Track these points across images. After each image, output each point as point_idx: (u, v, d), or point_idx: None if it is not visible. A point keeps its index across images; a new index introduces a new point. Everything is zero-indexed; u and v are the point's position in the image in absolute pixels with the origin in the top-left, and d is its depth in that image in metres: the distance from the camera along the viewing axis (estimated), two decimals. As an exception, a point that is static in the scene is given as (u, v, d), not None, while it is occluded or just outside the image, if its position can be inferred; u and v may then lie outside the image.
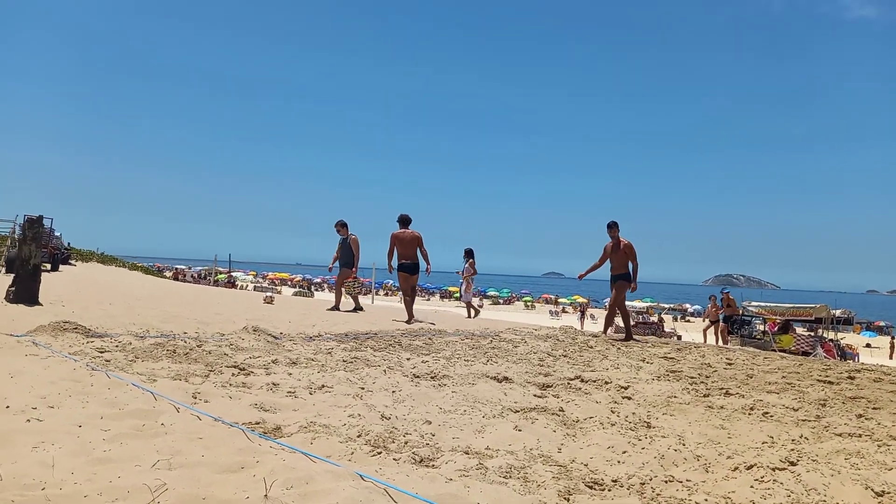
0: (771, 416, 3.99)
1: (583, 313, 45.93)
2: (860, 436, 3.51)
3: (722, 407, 4.25)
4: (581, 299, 67.38)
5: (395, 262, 10.30)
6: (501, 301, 71.64)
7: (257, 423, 3.11)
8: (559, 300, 71.74)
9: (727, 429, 3.64)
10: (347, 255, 11.47)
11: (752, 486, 2.57)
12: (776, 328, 19.64)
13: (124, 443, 2.59)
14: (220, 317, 8.35)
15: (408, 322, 9.76)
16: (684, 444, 3.22)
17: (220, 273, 48.33)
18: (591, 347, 7.49)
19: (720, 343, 17.16)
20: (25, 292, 7.45)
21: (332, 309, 11.38)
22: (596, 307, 66.09)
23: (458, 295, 70.86)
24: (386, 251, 10.18)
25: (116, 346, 4.99)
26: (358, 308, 11.64)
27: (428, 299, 68.09)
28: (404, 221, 10.21)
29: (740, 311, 18.97)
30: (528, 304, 68.05)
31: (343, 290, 11.73)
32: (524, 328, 9.93)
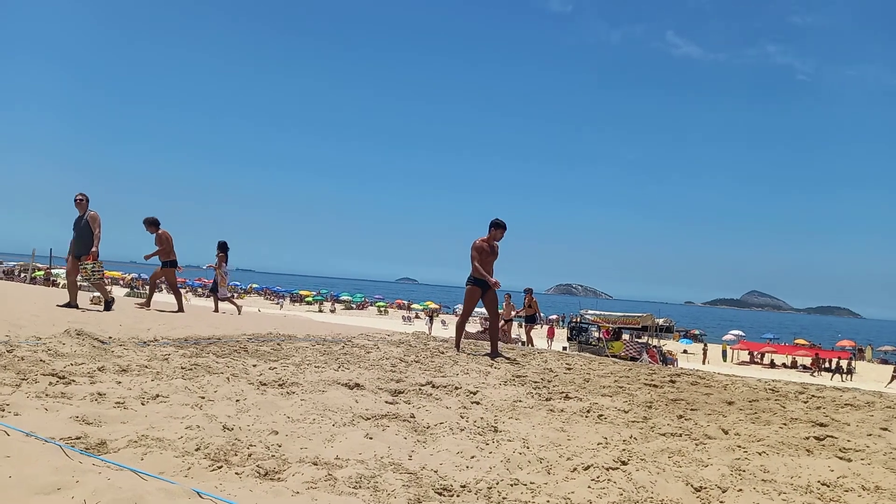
0: (605, 419, 4.27)
1: (431, 318, 46.75)
2: (681, 435, 3.86)
3: (562, 410, 4.48)
4: (433, 305, 68.64)
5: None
6: (354, 306, 71.14)
7: (78, 438, 2.79)
8: (412, 306, 72.56)
9: (567, 431, 3.84)
10: (86, 235, 9.60)
11: (589, 486, 2.72)
12: (609, 335, 21.25)
13: None
14: (37, 319, 7.47)
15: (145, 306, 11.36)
16: (528, 448, 3.35)
17: (39, 269, 43.41)
18: (443, 353, 7.61)
19: (521, 342, 17.32)
20: None
21: (66, 305, 9.42)
22: (446, 313, 67.65)
23: (309, 299, 69.27)
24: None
25: None
26: (108, 302, 9.78)
27: (277, 302, 65.96)
28: (154, 223, 11.45)
29: (536, 312, 18.45)
30: (382, 309, 68.16)
31: (78, 280, 9.77)
32: (377, 334, 9.89)
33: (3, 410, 3.13)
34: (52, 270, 42.75)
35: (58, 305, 9.40)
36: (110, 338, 6.21)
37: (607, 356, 15.66)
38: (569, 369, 6.97)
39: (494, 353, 7.73)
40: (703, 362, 37.07)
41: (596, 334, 21.92)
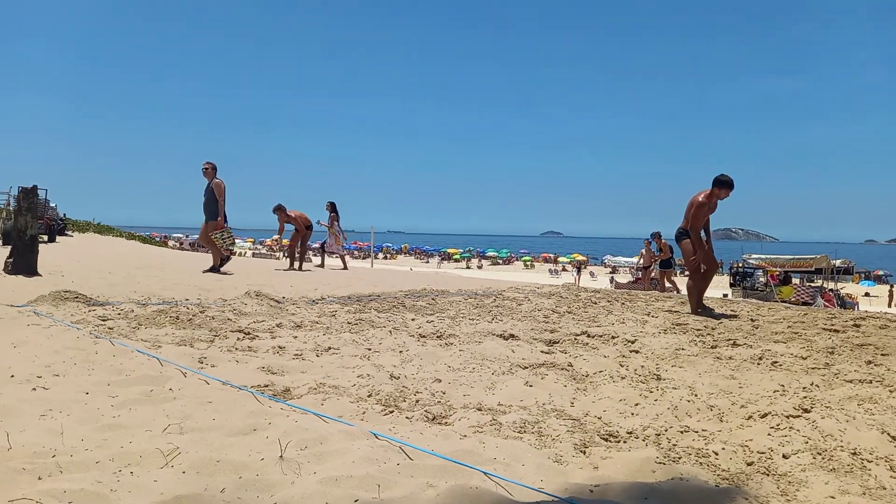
0: (780, 366, 3.98)
1: (579, 270, 45.99)
2: (871, 382, 3.49)
3: (730, 357, 4.23)
4: (580, 257, 67.55)
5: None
6: (501, 261, 71.85)
7: (266, 386, 3.08)
8: (558, 259, 71.89)
9: (737, 378, 3.62)
10: (211, 202, 10.12)
11: (768, 434, 2.55)
12: (777, 279, 19.70)
13: (133, 408, 2.56)
14: (221, 283, 8.31)
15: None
16: (696, 395, 3.20)
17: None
18: (595, 303, 7.47)
19: (658, 289, 15.78)
20: (24, 263, 7.38)
21: (210, 270, 9.94)
22: (594, 264, 66.31)
23: (456, 257, 70.92)
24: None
25: (118, 314, 4.95)
26: (223, 260, 10.22)
27: (427, 261, 68.25)
28: (279, 209, 12.39)
29: (671, 256, 16.09)
30: (528, 263, 68.25)
31: (212, 243, 10.18)
32: (526, 287, 9.91)
33: (202, 363, 3.52)
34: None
35: (204, 271, 9.89)
36: (284, 297, 6.77)
37: (776, 302, 14.56)
38: (734, 316, 6.57)
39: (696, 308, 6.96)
40: (890, 305, 33.28)
41: (762, 279, 20.40)
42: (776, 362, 4.06)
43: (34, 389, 2.75)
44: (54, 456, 2.03)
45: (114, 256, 13.49)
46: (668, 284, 15.65)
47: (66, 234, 20.93)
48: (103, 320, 4.61)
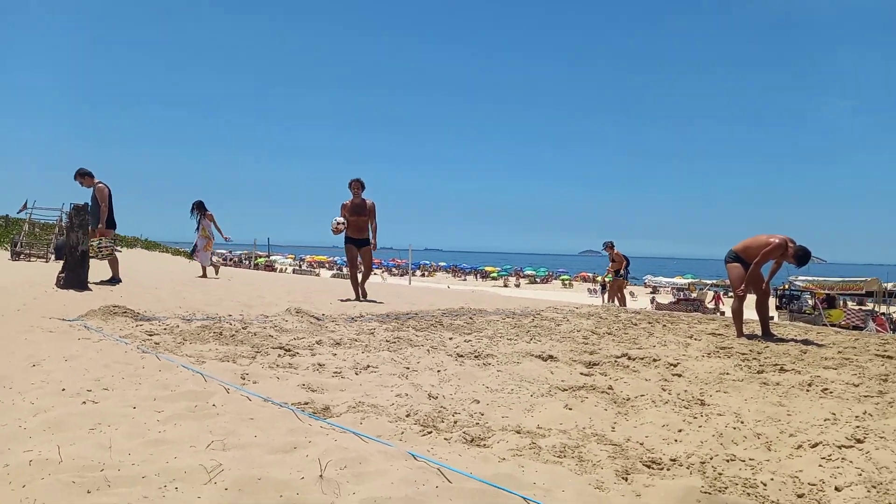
0: (831, 393, 3.84)
1: (603, 288, 44.90)
2: (929, 412, 3.35)
3: (778, 384, 4.11)
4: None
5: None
6: (538, 280, 71.29)
7: (306, 404, 3.11)
8: (597, 278, 70.94)
9: (786, 406, 3.51)
10: (94, 209, 8.81)
11: (819, 465, 2.47)
12: (825, 302, 19.10)
13: (178, 424, 2.61)
14: (263, 299, 8.44)
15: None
16: (742, 422, 3.12)
17: (260, 257, 49.12)
18: (636, 325, 7.35)
19: (614, 303, 15.04)
20: (75, 278, 7.64)
21: (107, 282, 8.80)
22: (634, 284, 65.26)
23: (494, 275, 70.59)
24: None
25: (165, 329, 5.07)
26: (113, 279, 8.98)
27: (464, 279, 68.14)
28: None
29: (624, 264, 15.42)
30: (566, 282, 67.57)
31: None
32: (565, 306, 9.82)
33: (244, 379, 3.58)
34: (272, 257, 47.90)
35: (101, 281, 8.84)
36: (324, 315, 6.84)
37: (825, 326, 14.11)
38: (781, 340, 6.38)
39: (767, 334, 6.77)
40: (947, 331, 31.87)
41: (810, 302, 19.78)
42: (826, 389, 3.92)
43: (84, 403, 2.83)
44: (102, 470, 2.08)
45: (160, 272, 13.85)
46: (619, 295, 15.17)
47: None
48: (150, 335, 4.73)
